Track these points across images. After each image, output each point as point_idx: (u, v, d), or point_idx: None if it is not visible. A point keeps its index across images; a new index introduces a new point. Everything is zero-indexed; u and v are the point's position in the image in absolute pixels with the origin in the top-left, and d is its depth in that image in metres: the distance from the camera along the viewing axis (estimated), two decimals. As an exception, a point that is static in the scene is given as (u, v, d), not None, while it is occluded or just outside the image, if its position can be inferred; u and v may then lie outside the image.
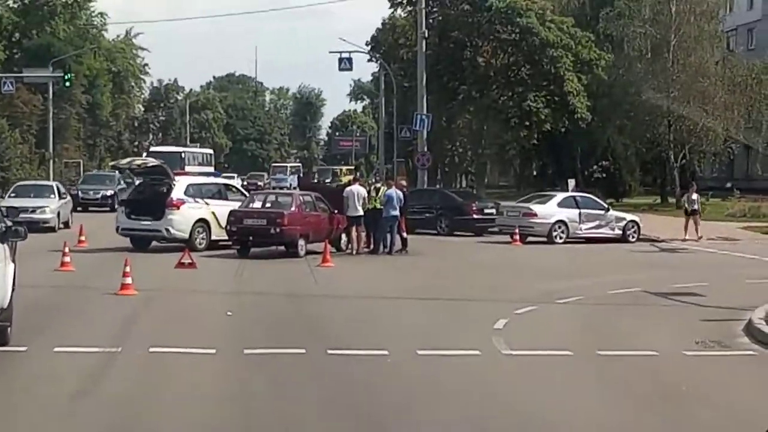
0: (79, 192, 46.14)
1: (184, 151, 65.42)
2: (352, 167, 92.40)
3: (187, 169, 50.35)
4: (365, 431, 8.55)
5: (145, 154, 64.32)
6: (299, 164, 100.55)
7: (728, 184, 51.54)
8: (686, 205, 33.34)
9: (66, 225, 34.03)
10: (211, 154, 74.02)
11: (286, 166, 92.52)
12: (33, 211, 31.20)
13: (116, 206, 42.73)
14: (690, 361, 12.24)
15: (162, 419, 8.93)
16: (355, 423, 8.86)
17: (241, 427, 8.73)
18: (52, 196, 34.68)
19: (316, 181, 71.30)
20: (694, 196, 33.10)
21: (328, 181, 75.50)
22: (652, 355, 12.35)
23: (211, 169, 61.40)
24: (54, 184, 38.28)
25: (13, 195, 34.94)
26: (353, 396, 9.93)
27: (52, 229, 31.89)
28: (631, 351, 12.60)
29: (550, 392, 10.44)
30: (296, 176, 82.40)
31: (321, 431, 8.51)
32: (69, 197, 37.63)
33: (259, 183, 73.43)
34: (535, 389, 10.55)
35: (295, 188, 44.83)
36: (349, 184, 29.00)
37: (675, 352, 12.58)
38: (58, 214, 33.62)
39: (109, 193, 46.76)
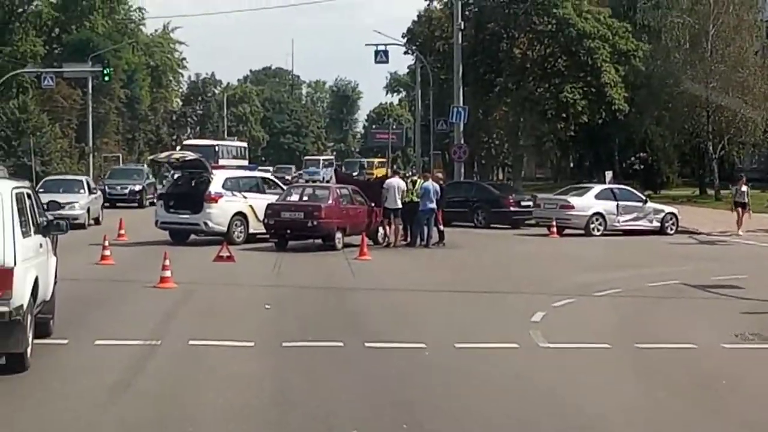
0: (106, 187, 43.76)
1: (218, 145, 65.40)
2: (384, 160, 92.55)
3: (221, 162, 50.39)
4: (403, 424, 8.55)
5: (179, 147, 64.36)
6: (332, 157, 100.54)
7: None
8: (736, 198, 32.82)
9: (96, 221, 33.15)
10: (245, 148, 73.85)
11: (319, 159, 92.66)
12: (62, 207, 30.01)
13: (144, 202, 42.97)
14: (729, 353, 12.18)
15: (200, 412, 9.00)
16: (392, 416, 8.88)
17: (279, 420, 8.77)
18: (82, 191, 33.60)
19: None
20: (744, 188, 32.62)
21: (355, 174, 75.47)
22: (690, 348, 12.30)
23: (246, 163, 61.06)
24: (84, 178, 37.16)
25: (41, 190, 32.37)
26: (391, 389, 9.96)
27: (82, 226, 30.17)
28: (670, 344, 12.54)
29: (588, 385, 10.43)
30: (332, 169, 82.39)
31: (358, 424, 8.52)
32: (99, 192, 36.80)
33: (287, 176, 73.54)
34: (573, 382, 10.54)
35: (328, 181, 44.80)
36: (385, 177, 29.00)
37: (714, 344, 12.51)
38: (88, 210, 32.55)
39: (137, 188, 45.60)
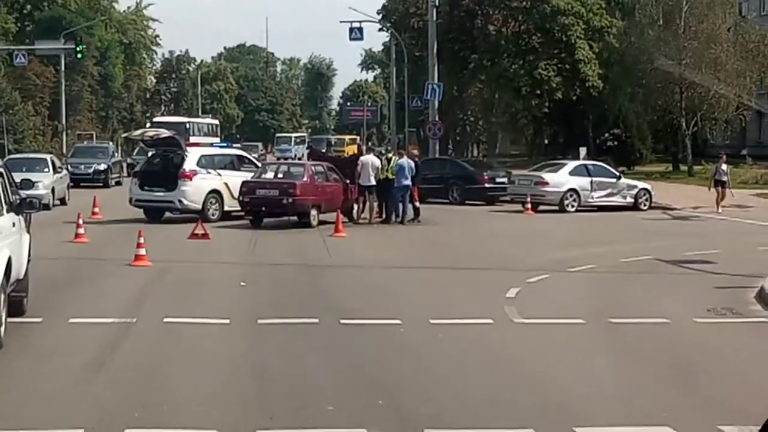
0: (69, 166, 39.82)
1: (188, 122, 64.73)
2: (355, 137, 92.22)
3: (192, 139, 50.02)
4: (378, 400, 8.58)
5: (148, 124, 63.80)
6: (305, 134, 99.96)
7: (744, 152, 51.24)
8: (716, 176, 32.45)
9: (62, 202, 31.76)
10: (216, 125, 73.11)
11: (291, 136, 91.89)
12: (34, 186, 29.13)
13: (110, 181, 41.93)
14: (701, 328, 12.29)
15: (176, 389, 8.99)
16: (368, 392, 8.90)
17: (255, 396, 8.78)
18: (46, 170, 31.85)
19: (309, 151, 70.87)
20: (724, 166, 32.40)
21: (323, 151, 75.16)
22: (663, 323, 12.40)
23: (217, 140, 60.23)
24: (48, 157, 35.10)
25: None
26: (366, 366, 9.98)
27: (47, 207, 27.97)
28: (643, 318, 12.66)
29: (561, 360, 10.48)
30: (304, 146, 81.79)
31: (334, 401, 8.55)
32: (65, 171, 35.14)
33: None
34: (547, 357, 10.59)
35: (299, 158, 44.55)
36: (357, 154, 28.96)
37: (686, 319, 12.63)
38: (53, 190, 30.82)
39: (101, 167, 43.17)
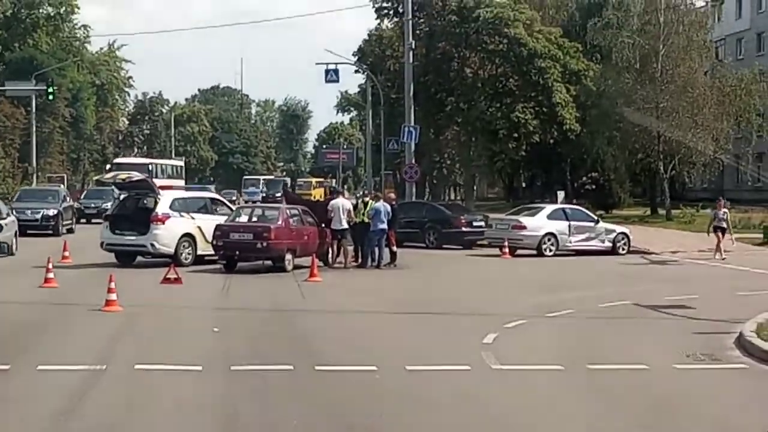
0: (13, 212, 33.35)
1: (151, 163, 63.74)
2: (322, 179, 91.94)
3: (157, 182, 49.79)
4: (354, 450, 8.38)
5: (108, 166, 62.83)
6: (273, 177, 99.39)
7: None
8: (715, 222, 30.91)
9: (8, 251, 27.89)
10: (181, 167, 71.97)
11: (260, 179, 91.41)
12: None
13: (61, 229, 38.32)
14: (681, 374, 12.14)
15: (147, 440, 8.76)
16: (343, 441, 8.70)
17: (228, 447, 8.56)
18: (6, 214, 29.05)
19: (264, 196, 70.46)
20: (722, 211, 30.97)
21: (279, 195, 74.62)
22: (642, 369, 12.25)
23: (182, 182, 59.52)
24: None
25: None
26: (342, 413, 9.78)
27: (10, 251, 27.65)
28: (622, 365, 12.49)
29: (540, 406, 10.34)
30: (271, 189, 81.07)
31: (309, 450, 8.34)
32: (14, 217, 30.95)
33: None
34: (525, 403, 10.44)
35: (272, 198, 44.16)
36: (327, 198, 28.81)
37: (666, 365, 12.49)
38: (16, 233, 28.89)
39: (51, 212, 38.36)
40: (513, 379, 11.71)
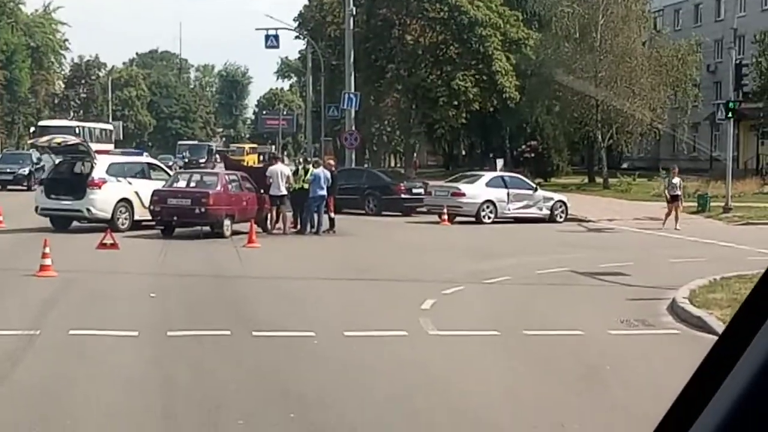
0: None
1: (79, 126, 61.83)
2: (255, 146, 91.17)
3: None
4: (290, 413, 8.36)
5: (32, 129, 61.21)
6: (212, 143, 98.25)
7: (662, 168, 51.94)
8: (667, 191, 30.71)
9: None
10: (111, 131, 69.80)
11: (205, 146, 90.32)
12: None
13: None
14: (614, 340, 12.27)
15: (81, 404, 8.65)
16: (280, 406, 8.68)
17: (164, 413, 8.47)
18: None
19: (186, 161, 69.62)
20: (676, 180, 30.58)
21: (202, 161, 73.79)
22: (577, 335, 12.36)
23: (111, 147, 57.05)
24: None
25: None
26: (279, 379, 9.75)
27: None
28: (557, 330, 12.60)
29: (475, 371, 10.39)
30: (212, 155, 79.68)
31: (245, 415, 8.30)
32: None
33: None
34: (461, 369, 10.49)
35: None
36: (263, 164, 28.68)
37: (600, 331, 12.62)
38: None
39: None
40: (449, 345, 11.76)
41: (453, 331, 12.38)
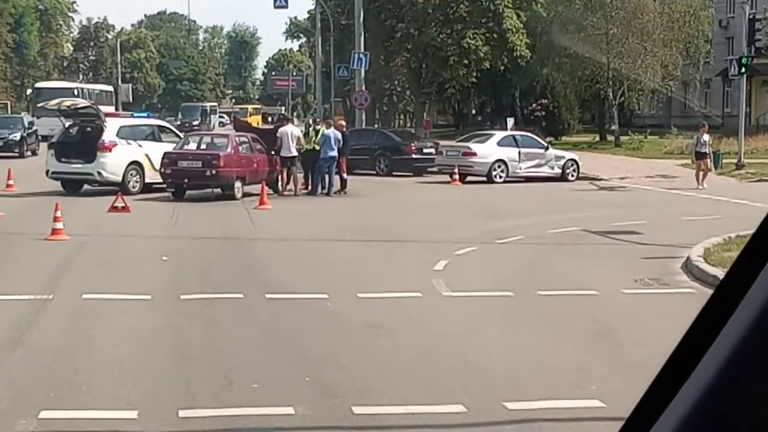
0: None
1: (77, 88, 60.15)
2: (258, 106, 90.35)
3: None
4: (305, 376, 8.33)
5: (29, 91, 60.21)
6: (214, 104, 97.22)
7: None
8: (697, 148, 29.23)
9: None
10: (110, 92, 68.18)
11: (198, 106, 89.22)
12: None
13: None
14: (628, 299, 12.22)
15: (95, 368, 8.64)
16: (294, 369, 8.64)
17: (178, 375, 8.46)
18: None
19: (179, 123, 68.64)
20: (705, 137, 29.27)
21: (195, 123, 72.78)
22: (591, 294, 12.30)
23: (112, 109, 53.95)
24: None
25: None
26: (293, 341, 9.72)
27: None
28: (571, 290, 12.54)
29: (490, 333, 10.33)
30: (216, 116, 77.80)
31: (260, 377, 8.28)
32: None
33: None
34: (476, 331, 10.42)
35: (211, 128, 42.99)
36: (267, 125, 28.56)
37: (614, 290, 12.56)
38: None
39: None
40: (463, 306, 11.71)
41: (466, 292, 12.33)
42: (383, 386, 8.05)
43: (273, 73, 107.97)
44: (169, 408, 7.34)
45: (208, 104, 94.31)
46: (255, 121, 76.77)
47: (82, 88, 61.74)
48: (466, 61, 57.46)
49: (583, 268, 14.70)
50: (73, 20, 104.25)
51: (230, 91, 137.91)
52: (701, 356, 1.46)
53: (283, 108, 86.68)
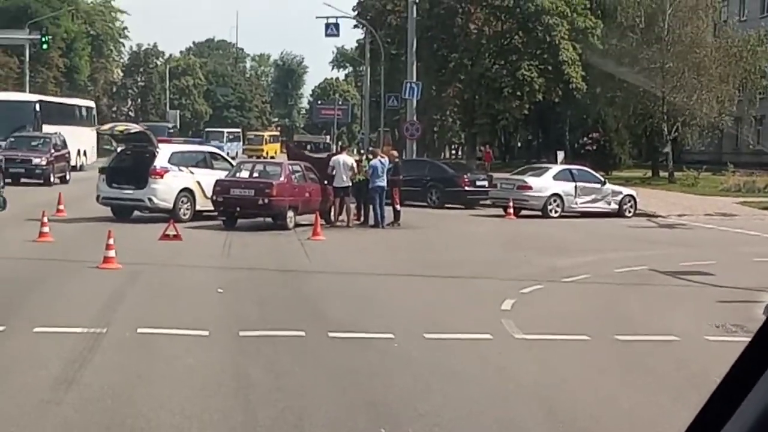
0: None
1: (41, 101, 50.09)
2: (275, 133, 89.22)
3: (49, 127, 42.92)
4: (378, 422, 7.73)
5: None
6: (239, 130, 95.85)
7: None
8: None
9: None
10: (90, 108, 58.17)
11: (223, 132, 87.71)
12: None
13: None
14: (713, 346, 11.50)
15: (153, 410, 8.08)
16: (368, 417, 8.06)
17: (242, 419, 7.89)
18: None
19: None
20: None
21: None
22: (673, 340, 11.64)
23: (90, 127, 49.17)
24: None
25: None
26: (362, 385, 9.13)
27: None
28: (650, 335, 11.90)
29: (572, 379, 9.74)
30: (238, 143, 76.60)
31: (331, 424, 7.70)
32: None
33: None
34: (556, 377, 9.80)
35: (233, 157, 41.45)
36: (330, 154, 28.09)
37: (696, 336, 11.89)
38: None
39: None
40: (539, 350, 11.06)
41: (539, 335, 11.66)
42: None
43: (319, 102, 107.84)
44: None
45: (234, 130, 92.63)
46: (272, 149, 75.42)
47: (47, 102, 51.57)
48: (519, 93, 56.82)
49: (658, 310, 14.05)
50: (123, 46, 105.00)
51: (276, 119, 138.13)
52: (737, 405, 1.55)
53: (328, 137, 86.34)
